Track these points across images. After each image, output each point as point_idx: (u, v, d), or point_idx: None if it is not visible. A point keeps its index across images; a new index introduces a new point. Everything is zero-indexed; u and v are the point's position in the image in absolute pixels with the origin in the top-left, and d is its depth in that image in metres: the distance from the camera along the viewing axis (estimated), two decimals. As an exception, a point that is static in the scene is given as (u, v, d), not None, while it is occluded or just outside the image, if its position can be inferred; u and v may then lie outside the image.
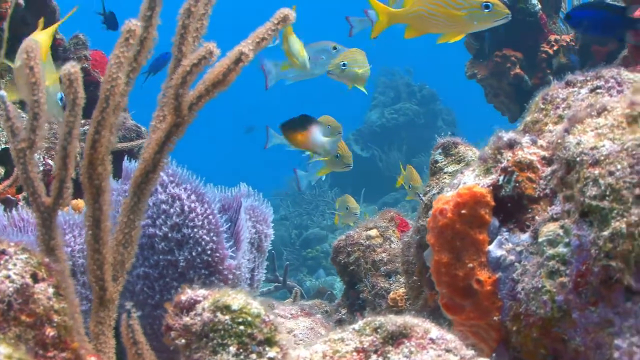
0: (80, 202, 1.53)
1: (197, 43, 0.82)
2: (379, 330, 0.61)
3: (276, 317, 0.61)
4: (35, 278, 0.64)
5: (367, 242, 1.54)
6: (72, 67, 0.71)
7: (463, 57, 2.94)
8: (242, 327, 0.58)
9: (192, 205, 1.16)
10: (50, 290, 0.65)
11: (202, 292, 0.60)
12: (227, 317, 0.58)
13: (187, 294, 0.61)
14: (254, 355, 0.57)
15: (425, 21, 1.72)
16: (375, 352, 0.60)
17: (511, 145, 0.75)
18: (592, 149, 0.65)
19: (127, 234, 0.81)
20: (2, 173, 1.68)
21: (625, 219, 0.60)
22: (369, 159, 7.26)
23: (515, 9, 2.57)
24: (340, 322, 1.50)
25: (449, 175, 1.23)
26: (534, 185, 0.72)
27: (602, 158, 0.63)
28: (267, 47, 0.79)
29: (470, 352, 0.61)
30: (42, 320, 0.63)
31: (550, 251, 0.67)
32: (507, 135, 0.75)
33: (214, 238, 1.16)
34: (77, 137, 0.74)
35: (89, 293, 1.13)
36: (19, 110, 1.57)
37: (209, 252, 1.16)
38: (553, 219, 0.68)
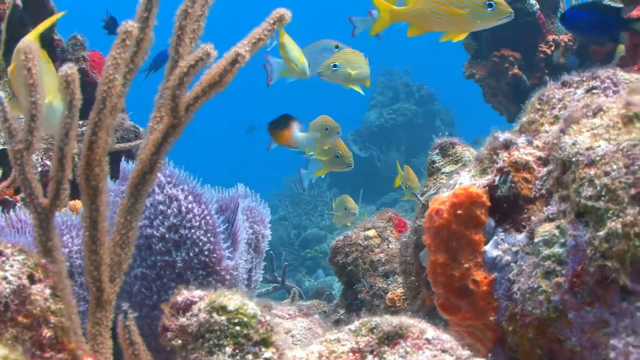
0: (78, 203, 1.53)
1: (194, 44, 0.82)
2: (374, 330, 0.62)
3: (273, 317, 0.61)
4: (32, 279, 0.65)
5: (365, 243, 1.55)
6: (69, 68, 0.71)
7: (461, 57, 2.95)
8: (238, 328, 0.58)
9: (190, 206, 1.16)
10: (47, 291, 0.65)
11: (198, 292, 0.61)
12: (223, 317, 0.58)
13: (183, 294, 0.61)
14: (250, 356, 0.57)
15: (428, 19, 1.71)
16: (371, 352, 0.60)
17: (507, 145, 0.75)
18: (587, 149, 0.65)
19: (125, 235, 0.81)
20: (0, 174, 1.68)
21: (620, 219, 0.60)
22: (368, 159, 7.25)
23: (513, 8, 2.57)
24: (338, 323, 1.50)
25: (446, 176, 1.24)
26: (530, 186, 0.72)
27: (598, 158, 0.63)
28: (263, 47, 0.79)
29: (466, 353, 0.61)
30: (39, 321, 0.63)
31: (546, 251, 0.67)
32: (503, 136, 0.75)
33: (212, 239, 1.17)
34: (75, 138, 0.74)
35: (87, 294, 1.13)
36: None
37: (206, 252, 1.16)
38: (549, 219, 0.69)
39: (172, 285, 1.16)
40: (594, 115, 0.68)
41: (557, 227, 0.67)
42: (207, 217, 1.17)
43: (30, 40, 1.25)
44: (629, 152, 0.62)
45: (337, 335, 0.63)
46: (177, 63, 0.80)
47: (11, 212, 1.26)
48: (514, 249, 0.71)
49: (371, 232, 1.56)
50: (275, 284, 2.77)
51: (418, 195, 1.27)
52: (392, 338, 0.61)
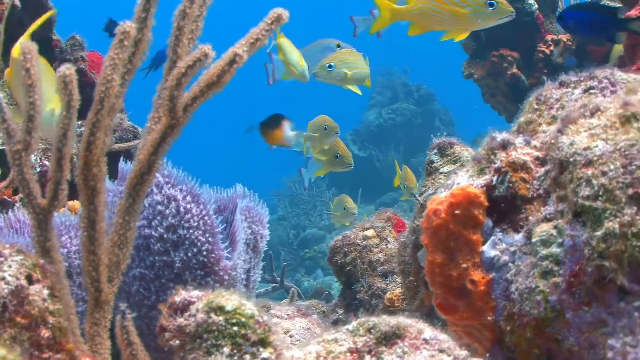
0: (76, 204, 1.53)
1: (192, 45, 0.82)
2: (372, 330, 0.62)
3: (271, 318, 0.61)
4: (30, 280, 0.65)
5: (364, 243, 1.55)
6: (67, 69, 0.71)
7: (460, 57, 2.95)
8: (236, 328, 0.58)
9: (188, 206, 1.17)
10: (46, 292, 0.65)
11: (196, 293, 0.61)
12: (221, 318, 0.58)
13: (181, 295, 0.61)
14: (247, 357, 0.57)
15: (429, 19, 1.71)
16: (369, 352, 0.60)
17: (505, 146, 0.75)
18: (585, 149, 0.65)
19: (123, 236, 0.81)
20: (-1, 175, 1.68)
21: (618, 220, 0.60)
22: (367, 159, 7.26)
23: (512, 8, 2.57)
24: (337, 323, 1.50)
25: (445, 176, 1.24)
26: (528, 186, 0.72)
27: (596, 159, 0.63)
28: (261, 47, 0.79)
29: (464, 353, 0.61)
30: (37, 321, 0.63)
31: (544, 252, 0.67)
32: (500, 136, 0.75)
33: (210, 239, 1.17)
34: (73, 139, 0.74)
35: (85, 294, 1.13)
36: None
37: (204, 253, 1.16)
38: (547, 220, 0.69)
39: (170, 285, 1.17)
40: (592, 115, 0.68)
41: (555, 227, 0.67)
42: (206, 218, 1.17)
43: (28, 41, 1.25)
44: (627, 153, 0.62)
45: (335, 335, 0.63)
46: (175, 64, 0.80)
47: (10, 213, 1.27)
48: (512, 249, 0.71)
49: (370, 232, 1.57)
50: (274, 284, 2.77)
51: (416, 196, 1.27)
52: (390, 338, 0.61)
